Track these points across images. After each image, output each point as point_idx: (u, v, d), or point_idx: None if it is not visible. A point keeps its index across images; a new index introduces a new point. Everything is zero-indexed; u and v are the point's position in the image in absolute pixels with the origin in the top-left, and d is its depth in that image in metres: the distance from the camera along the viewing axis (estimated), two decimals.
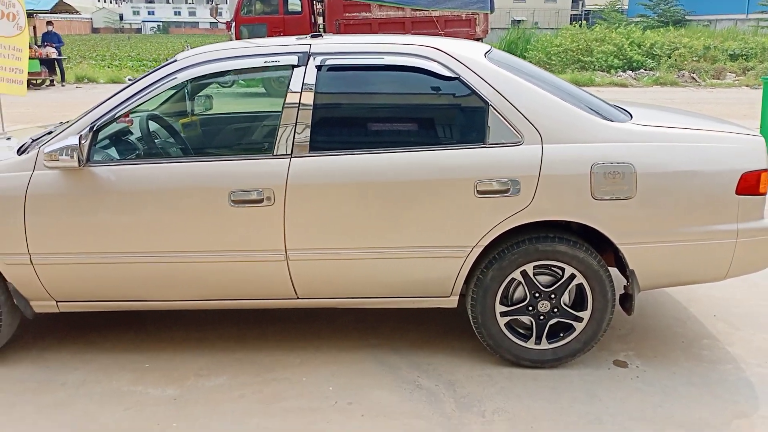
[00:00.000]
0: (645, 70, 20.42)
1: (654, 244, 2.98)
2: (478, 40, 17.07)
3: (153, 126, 3.54)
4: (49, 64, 17.26)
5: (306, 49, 3.10)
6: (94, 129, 3.02)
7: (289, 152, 2.97)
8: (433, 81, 3.06)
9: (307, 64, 3.05)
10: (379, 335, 3.51)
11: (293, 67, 3.05)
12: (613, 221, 2.94)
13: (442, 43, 3.13)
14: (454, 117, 3.20)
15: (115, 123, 3.19)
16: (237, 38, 14.85)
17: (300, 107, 2.99)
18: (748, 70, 19.82)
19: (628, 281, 3.10)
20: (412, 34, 14.77)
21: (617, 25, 25.60)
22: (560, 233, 3.04)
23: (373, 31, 15.22)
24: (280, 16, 15.48)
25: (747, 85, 17.97)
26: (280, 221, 2.95)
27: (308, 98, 3.00)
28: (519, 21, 38.82)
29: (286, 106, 3.00)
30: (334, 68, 3.08)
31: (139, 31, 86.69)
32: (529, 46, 22.84)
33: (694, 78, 18.93)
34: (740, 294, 4.02)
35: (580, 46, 21.94)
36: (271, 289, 3.09)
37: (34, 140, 3.35)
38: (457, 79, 3.01)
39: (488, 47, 3.40)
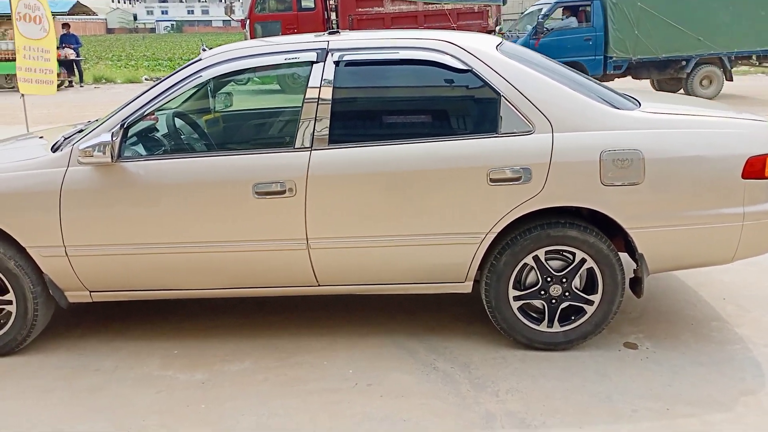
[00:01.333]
0: None
1: (662, 228, 3.07)
2: (490, 32, 17.12)
3: (178, 123, 3.68)
4: (67, 65, 17.54)
5: (324, 45, 3.23)
6: (125, 126, 3.16)
7: (309, 145, 3.10)
8: (446, 74, 3.17)
9: (325, 60, 3.18)
10: (397, 321, 3.64)
11: (312, 63, 3.18)
12: (622, 206, 3.04)
13: (456, 36, 3.25)
14: (467, 108, 3.32)
15: (142, 120, 3.35)
16: (251, 36, 15.02)
17: (319, 102, 3.12)
18: None
19: (637, 265, 3.20)
20: (425, 27, 14.89)
21: None
22: (571, 219, 3.14)
23: (386, 26, 15.32)
24: (294, 13, 15.63)
25: None
26: (302, 211, 3.08)
27: (327, 93, 3.13)
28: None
29: (306, 101, 3.13)
30: (351, 63, 3.20)
31: (153, 30, 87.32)
32: None
33: None
34: (751, 278, 4.10)
35: None
36: (293, 276, 3.22)
37: (66, 138, 3.50)
38: (470, 71, 3.12)
39: (500, 40, 3.51)
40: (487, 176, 3.02)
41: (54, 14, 18.35)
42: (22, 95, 7.78)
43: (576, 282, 3.20)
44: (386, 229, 3.10)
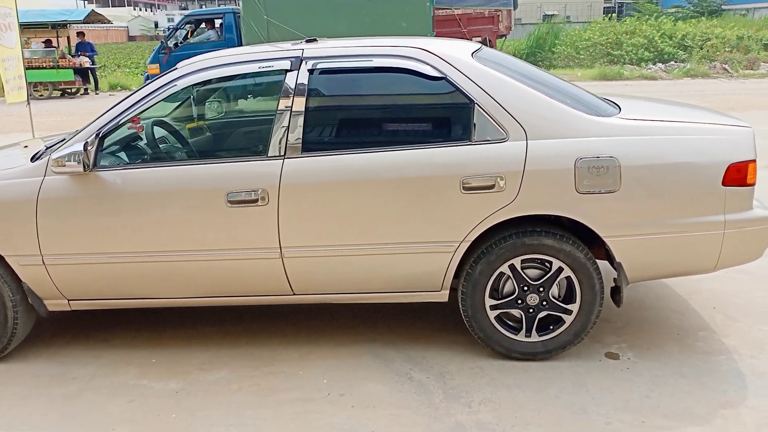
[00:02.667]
0: (676, 62, 20.09)
1: (640, 237, 3.02)
2: (501, 36, 17.09)
3: (159, 132, 3.69)
4: (82, 73, 17.77)
5: (299, 54, 3.22)
6: (100, 135, 3.18)
7: (282, 153, 3.09)
8: (421, 81, 3.14)
9: (299, 68, 3.16)
10: (377, 330, 3.61)
11: (286, 71, 3.17)
12: (598, 214, 2.98)
13: (430, 43, 3.22)
14: (441, 116, 3.29)
15: (122, 129, 3.37)
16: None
17: (292, 110, 3.10)
18: None
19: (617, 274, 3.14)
20: (435, 32, 14.87)
21: (648, 17, 25.16)
22: (549, 227, 3.09)
23: None
24: None
25: None
26: (275, 220, 3.07)
27: (300, 101, 3.11)
28: (550, 15, 38.43)
29: (279, 109, 3.12)
30: (325, 71, 3.19)
31: None
32: (558, 41, 22.64)
33: (726, 69, 18.56)
34: (744, 286, 4.01)
35: (610, 40, 21.69)
36: (268, 286, 3.21)
37: (48, 148, 3.53)
38: (444, 78, 3.09)
39: (478, 46, 3.47)
40: (460, 184, 2.98)
41: (69, 23, 18.77)
42: (28, 103, 7.90)
43: (554, 291, 3.14)
44: (360, 237, 3.08)
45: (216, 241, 3.12)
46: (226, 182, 3.07)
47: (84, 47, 18.29)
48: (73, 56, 17.98)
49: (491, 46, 16.15)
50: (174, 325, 3.79)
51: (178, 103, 4.08)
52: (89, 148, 3.10)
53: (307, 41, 3.38)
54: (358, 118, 3.34)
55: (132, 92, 3.29)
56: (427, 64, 3.10)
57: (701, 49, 20.47)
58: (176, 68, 3.30)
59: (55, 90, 17.57)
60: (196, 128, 3.93)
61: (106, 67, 26.31)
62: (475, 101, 3.03)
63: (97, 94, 18.56)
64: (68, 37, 19.03)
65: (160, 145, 3.54)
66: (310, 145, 3.10)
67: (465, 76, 3.07)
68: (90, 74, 18.19)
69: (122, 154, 3.39)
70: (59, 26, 18.70)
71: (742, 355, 3.23)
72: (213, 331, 3.69)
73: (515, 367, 3.19)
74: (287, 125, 3.09)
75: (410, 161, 3.02)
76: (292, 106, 3.10)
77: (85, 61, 17.73)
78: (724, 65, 18.82)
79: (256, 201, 3.05)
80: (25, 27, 16.91)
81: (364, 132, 3.30)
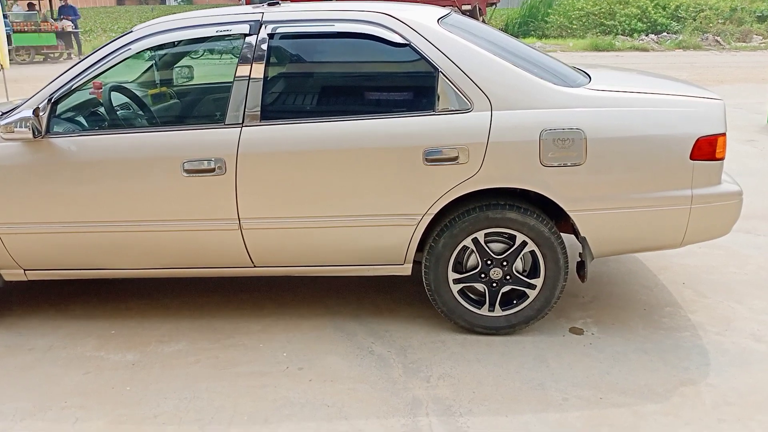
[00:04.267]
0: (668, 33, 19.87)
1: (605, 211, 2.96)
2: (491, 5, 16.82)
3: (118, 97, 3.58)
4: (65, 37, 17.42)
5: (258, 17, 3.10)
6: (52, 101, 3.07)
7: (240, 121, 2.99)
8: (384, 48, 3.04)
9: (258, 32, 3.05)
10: (342, 302, 3.56)
11: (245, 35, 3.06)
12: (562, 188, 2.92)
13: (395, 8, 3.11)
14: (404, 84, 3.19)
15: (79, 95, 3.27)
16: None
17: (251, 76, 3.00)
18: None
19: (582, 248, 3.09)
20: None
21: None
22: (515, 201, 3.03)
23: None
24: None
25: None
26: (232, 190, 2.99)
27: (259, 67, 3.01)
28: None
29: (237, 75, 3.02)
30: (285, 36, 3.08)
31: (163, 2, 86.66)
32: (551, 10, 22.35)
33: (718, 41, 18.39)
34: (715, 261, 3.98)
35: (603, 10, 21.40)
36: (228, 257, 3.14)
37: (3, 114, 3.42)
38: (408, 45, 2.99)
39: (447, 11, 3.36)
40: (422, 156, 2.90)
41: None
42: (1, 68, 7.73)
43: (518, 265, 3.09)
44: (321, 209, 3.01)
45: (173, 211, 3.04)
46: (182, 151, 2.98)
47: (67, 11, 17.91)
48: (55, 20, 17.61)
49: (482, 14, 15.99)
50: (137, 295, 3.73)
51: (146, 67, 3.97)
52: (41, 114, 3.00)
53: (269, 4, 3.26)
54: (318, 85, 3.23)
55: (85, 56, 3.18)
56: (391, 29, 3.00)
57: (694, 20, 20.25)
58: (131, 31, 3.18)
59: (37, 54, 17.24)
60: (158, 94, 3.82)
61: (92, 31, 25.87)
62: (440, 69, 2.94)
63: (80, 59, 18.21)
64: (50, 1, 18.60)
65: (119, 112, 3.43)
66: (269, 113, 3.00)
67: (430, 43, 2.97)
68: (73, 38, 17.83)
69: (79, 121, 3.28)
70: None
71: (707, 332, 3.20)
72: (175, 302, 3.63)
73: (478, 341, 3.15)
74: (245, 92, 2.99)
75: (371, 131, 2.93)
76: (250, 73, 3.00)
77: (67, 25, 17.38)
78: (716, 37, 18.64)
79: (213, 170, 2.96)
80: None
81: (325, 100, 3.20)
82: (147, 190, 3.03)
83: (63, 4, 18.11)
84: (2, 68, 7.77)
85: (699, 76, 12.28)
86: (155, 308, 3.57)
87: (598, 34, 20.17)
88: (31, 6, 17.93)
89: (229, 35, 3.09)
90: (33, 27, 16.77)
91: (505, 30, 21.49)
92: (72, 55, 18.10)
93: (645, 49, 17.93)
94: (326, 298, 3.61)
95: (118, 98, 3.54)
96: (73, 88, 3.10)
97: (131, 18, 41.50)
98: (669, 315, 3.36)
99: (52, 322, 3.46)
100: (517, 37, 20.01)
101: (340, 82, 3.27)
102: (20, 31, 16.46)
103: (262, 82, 2.99)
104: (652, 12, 20.90)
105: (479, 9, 15.79)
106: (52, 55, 17.56)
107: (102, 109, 3.41)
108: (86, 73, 3.09)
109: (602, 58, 15.94)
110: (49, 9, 18.68)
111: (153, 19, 3.24)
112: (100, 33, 26.61)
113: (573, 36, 20.52)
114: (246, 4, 14.76)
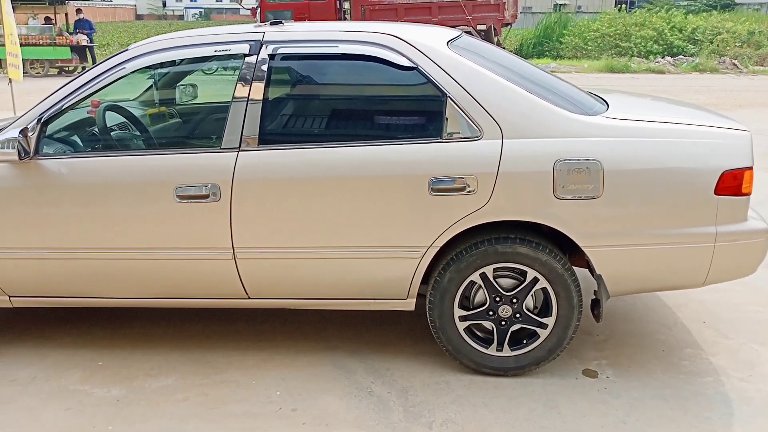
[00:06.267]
0: (685, 56, 19.67)
1: (623, 247, 2.77)
2: (506, 25, 16.75)
3: (116, 118, 3.44)
4: (79, 51, 17.49)
5: (259, 37, 2.96)
6: (42, 121, 2.94)
7: (237, 146, 2.84)
8: (390, 71, 2.88)
9: (258, 52, 2.91)
10: (342, 337, 3.37)
11: (245, 56, 2.91)
12: (577, 222, 2.73)
13: (402, 30, 2.96)
14: (411, 109, 3.03)
15: (73, 114, 3.14)
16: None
17: (249, 98, 2.85)
18: None
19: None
20: (438, 19, 14.53)
21: (658, 9, 24.65)
22: (526, 234, 2.85)
23: (399, 17, 15.00)
24: (305, 2, 15.37)
25: None
26: (227, 218, 2.83)
27: (258, 89, 2.86)
28: (562, 5, 37.86)
29: (235, 97, 2.87)
30: (287, 57, 2.94)
31: (181, 17, 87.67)
32: (566, 31, 22.24)
33: (735, 64, 18.16)
34: (738, 299, 3.76)
35: (618, 31, 21.27)
36: (221, 288, 2.98)
37: None
38: (416, 68, 2.83)
39: (457, 33, 3.21)
40: (428, 185, 2.73)
41: None
42: (10, 81, 7.67)
43: (529, 303, 2.90)
44: (320, 239, 2.84)
45: (164, 238, 2.89)
46: (175, 175, 2.83)
47: (82, 24, 17.98)
48: (70, 33, 17.70)
49: (496, 35, 15.89)
50: (128, 323, 3.56)
51: (147, 86, 3.85)
52: (29, 134, 2.86)
53: (272, 23, 3.12)
54: (320, 109, 3.08)
55: (77, 75, 3.05)
56: (398, 52, 2.84)
57: (711, 43, 20.03)
58: (126, 50, 3.05)
59: (51, 68, 17.32)
60: (156, 115, 3.68)
61: (109, 45, 26.05)
62: (448, 95, 2.77)
63: (73, 77, 18.26)
64: (66, 14, 18.72)
65: (113, 133, 3.29)
66: (268, 137, 2.85)
67: (438, 66, 2.81)
68: (88, 52, 17.89)
69: (70, 141, 3.15)
70: (57, 2, 18.39)
71: (730, 377, 2.99)
72: (168, 332, 3.46)
73: (485, 383, 2.95)
74: (243, 115, 2.84)
75: (375, 158, 2.77)
76: (249, 95, 2.85)
77: (82, 39, 17.43)
78: (733, 60, 18.42)
79: (207, 196, 2.81)
80: (22, 2, 16.68)
81: (327, 125, 3.03)
82: (137, 216, 2.88)
83: (79, 18, 18.19)
84: (10, 81, 7.71)
85: (716, 99, 12.06)
86: (147, 338, 3.41)
87: (614, 55, 20.01)
88: (47, 20, 18.03)
89: (228, 55, 2.95)
90: (48, 40, 16.85)
91: (519, 50, 21.43)
92: (86, 69, 18.14)
93: (661, 72, 17.72)
94: (325, 331, 3.43)
95: (114, 118, 3.40)
96: (64, 107, 2.96)
97: (149, 32, 41.91)
98: (689, 357, 3.16)
99: (39, 351, 3.30)
100: (531, 57, 19.98)
101: (343, 106, 3.11)
102: (35, 45, 16.54)
103: (261, 105, 2.84)
104: (669, 34, 20.72)
105: (494, 29, 15.71)
106: (66, 69, 17.61)
107: (95, 130, 3.27)
108: (78, 93, 2.96)
109: (617, 79, 15.77)
110: (64, 23, 18.78)
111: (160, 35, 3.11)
112: (116, 47, 26.77)
113: (588, 57, 20.36)
114: (261, 21, 14.82)
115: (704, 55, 19.04)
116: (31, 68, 16.39)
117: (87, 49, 17.78)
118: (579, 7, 40.37)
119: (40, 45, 16.73)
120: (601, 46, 20.94)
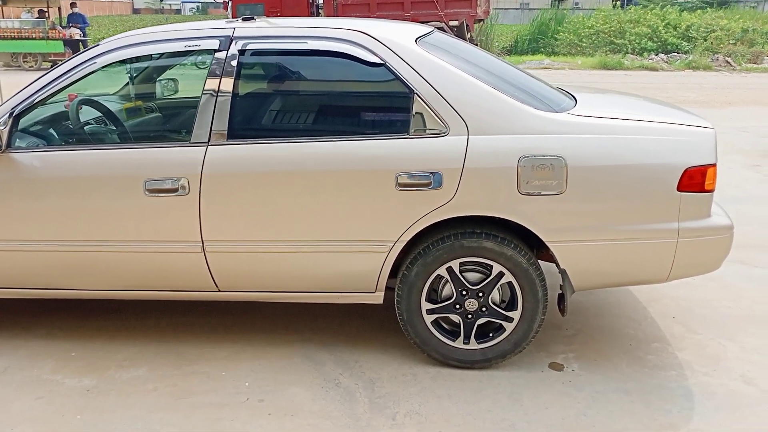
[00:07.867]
0: (679, 53, 19.69)
1: (586, 243, 2.80)
2: (479, 21, 16.74)
3: (91, 112, 3.47)
4: (73, 45, 17.47)
5: (229, 33, 2.99)
6: (14, 115, 2.96)
7: (206, 140, 2.87)
8: (358, 67, 2.90)
9: (228, 48, 2.94)
10: (314, 329, 3.41)
11: (214, 51, 2.94)
12: (541, 217, 2.77)
13: (371, 26, 2.98)
14: (378, 105, 3.06)
15: (47, 108, 3.17)
16: (234, 17, 14.83)
17: (219, 93, 2.88)
18: None
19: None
20: (411, 15, 14.52)
21: (653, 6, 24.67)
22: (493, 229, 2.88)
23: (371, 12, 14.99)
24: None
25: None
26: (196, 212, 2.86)
27: (228, 84, 2.89)
28: (560, 1, 37.82)
29: (204, 91, 2.90)
30: (256, 53, 2.97)
31: (178, 11, 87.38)
32: (560, 28, 22.24)
33: (728, 62, 18.19)
34: (708, 294, 3.81)
35: (613, 28, 21.28)
36: (191, 281, 3.01)
37: None
38: (383, 65, 2.86)
39: (428, 29, 3.24)
40: (395, 180, 2.77)
41: None
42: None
43: (495, 297, 2.94)
44: (288, 233, 2.87)
45: (134, 232, 2.92)
46: (144, 169, 2.86)
47: (75, 18, 17.98)
48: (63, 27, 17.67)
49: (469, 30, 15.87)
50: (105, 314, 3.60)
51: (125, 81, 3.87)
52: (1, 128, 2.89)
53: (243, 19, 3.14)
54: (289, 105, 3.11)
55: (49, 69, 3.07)
56: (365, 48, 2.87)
57: (705, 40, 20.05)
58: (98, 44, 3.07)
59: (44, 61, 17.29)
60: (132, 109, 3.70)
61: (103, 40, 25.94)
62: (415, 91, 2.80)
63: (44, 72, 18.25)
64: (59, 8, 18.68)
65: (86, 127, 3.32)
66: (237, 131, 2.88)
67: (405, 63, 2.84)
68: (81, 46, 17.86)
69: (43, 135, 3.17)
70: None
71: (695, 372, 3.03)
72: (143, 323, 3.50)
73: (451, 375, 2.99)
74: (213, 110, 2.87)
75: (342, 153, 2.80)
76: (218, 90, 2.88)
77: (75, 33, 17.43)
78: (727, 58, 18.44)
79: (176, 190, 2.84)
80: None
81: (295, 120, 3.07)
82: (108, 209, 2.91)
83: (72, 12, 18.17)
84: None
85: (707, 97, 12.11)
86: (122, 329, 3.44)
87: (608, 52, 20.03)
88: (41, 13, 18.00)
89: (199, 50, 2.98)
90: (41, 34, 16.83)
91: (514, 47, 21.42)
92: None
93: (654, 69, 17.74)
94: (296, 323, 3.47)
95: (90, 113, 3.42)
96: (36, 101, 2.99)
97: (145, 26, 41.86)
98: (656, 351, 3.20)
99: (14, 341, 3.34)
100: (526, 54, 19.95)
101: (312, 102, 3.14)
102: (28, 38, 16.52)
103: (230, 101, 2.87)
104: (663, 31, 20.74)
105: (467, 25, 15.69)
106: (59, 62, 17.60)
107: (69, 124, 3.30)
108: (50, 87, 2.99)
109: (611, 76, 15.80)
110: (57, 16, 18.75)
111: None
112: None
113: (582, 54, 20.38)
114: (233, 17, 14.81)
115: (698, 53, 19.05)
116: (24, 62, 16.38)
117: (80, 42, 17.76)
118: (576, 4, 40.33)
119: (32, 38, 16.72)
120: (595, 43, 20.95)
